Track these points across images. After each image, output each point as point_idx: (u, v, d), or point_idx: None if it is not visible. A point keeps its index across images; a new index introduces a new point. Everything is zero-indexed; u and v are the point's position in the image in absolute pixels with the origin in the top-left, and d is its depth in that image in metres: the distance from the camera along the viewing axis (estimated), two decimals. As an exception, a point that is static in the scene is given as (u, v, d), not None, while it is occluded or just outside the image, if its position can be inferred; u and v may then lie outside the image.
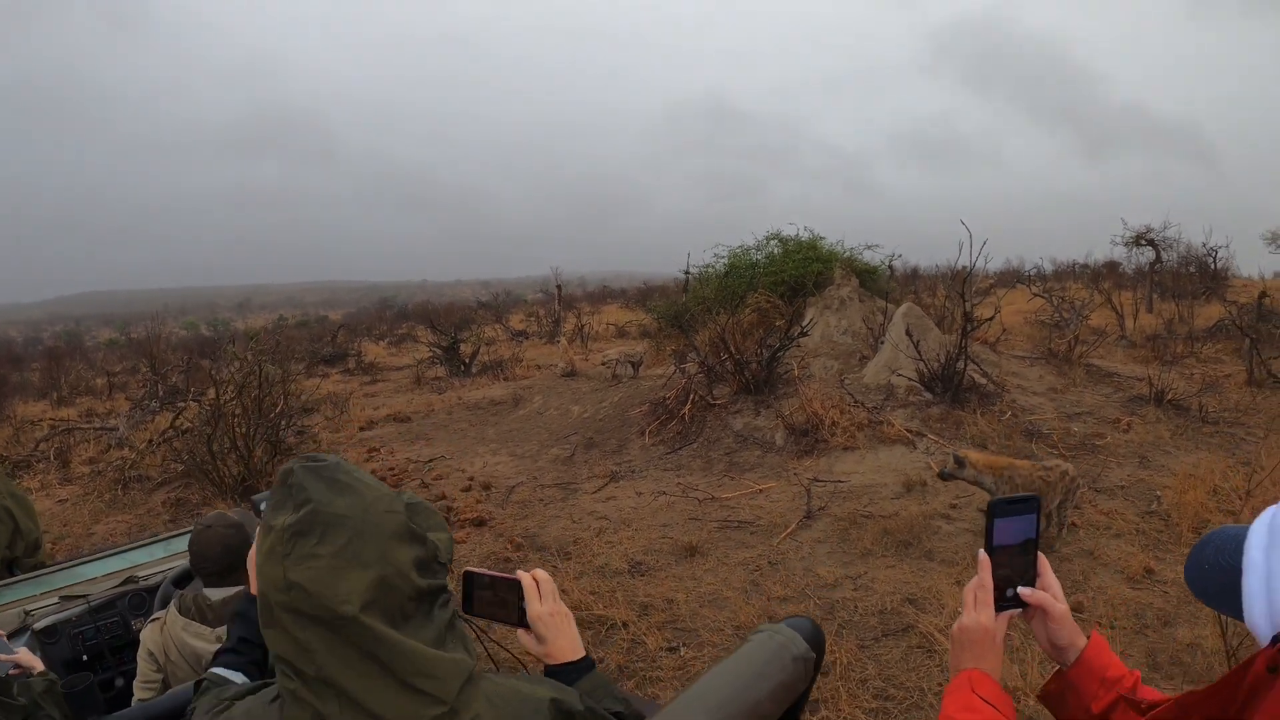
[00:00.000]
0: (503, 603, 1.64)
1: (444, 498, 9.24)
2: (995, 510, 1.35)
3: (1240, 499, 7.08)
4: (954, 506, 7.69)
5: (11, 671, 2.82)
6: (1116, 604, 5.58)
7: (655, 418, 11.39)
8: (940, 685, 4.80)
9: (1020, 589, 1.37)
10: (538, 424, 12.90)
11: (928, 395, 10.42)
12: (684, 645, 5.47)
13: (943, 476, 6.65)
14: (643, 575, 6.72)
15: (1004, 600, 1.36)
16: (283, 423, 10.94)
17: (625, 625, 5.73)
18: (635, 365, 15.71)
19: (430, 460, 11.21)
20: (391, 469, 10.72)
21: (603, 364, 16.03)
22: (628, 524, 8.00)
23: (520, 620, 1.63)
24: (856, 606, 5.88)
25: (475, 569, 1.67)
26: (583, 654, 1.66)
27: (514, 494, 9.35)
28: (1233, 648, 4.28)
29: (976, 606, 1.35)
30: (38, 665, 2.77)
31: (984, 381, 10.68)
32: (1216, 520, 6.71)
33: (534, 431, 12.46)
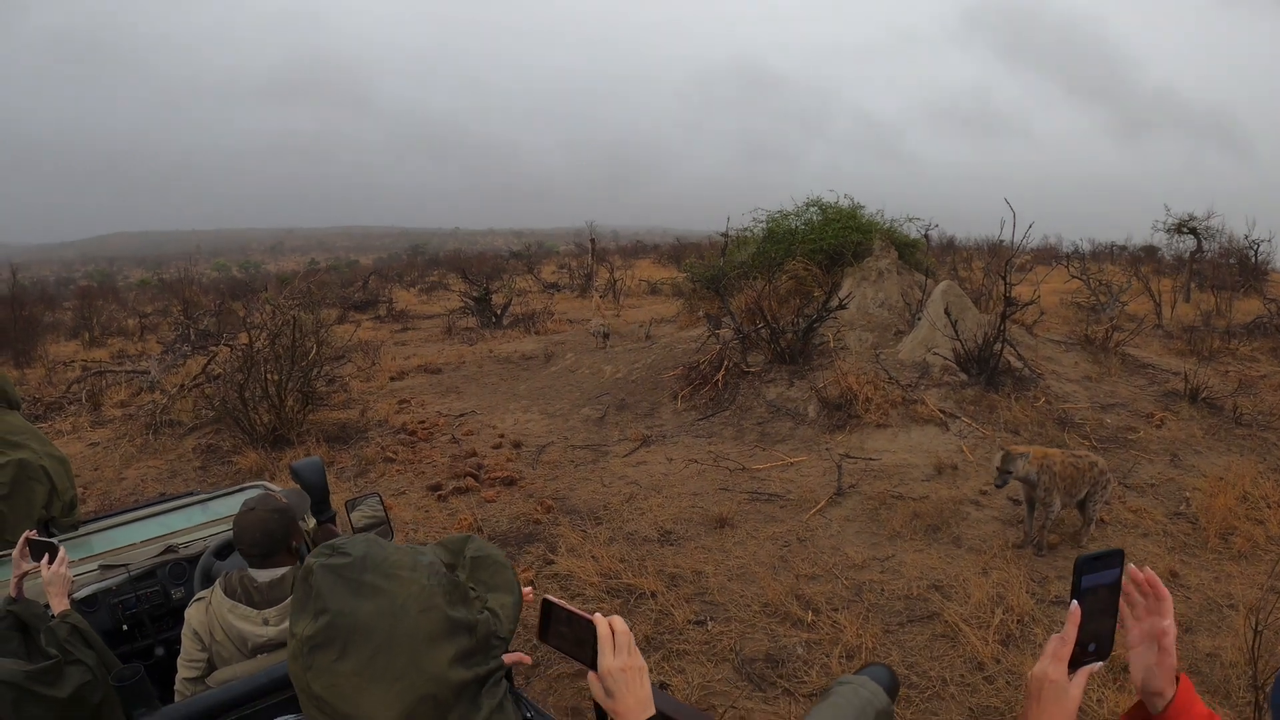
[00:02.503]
0: (578, 641, 1.55)
1: (474, 454, 9.30)
2: (1083, 567, 1.32)
3: (1270, 507, 7.05)
4: (984, 493, 7.68)
5: (14, 578, 2.86)
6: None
7: (688, 382, 11.39)
8: (962, 676, 4.83)
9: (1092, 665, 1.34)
10: (569, 382, 12.93)
11: (962, 376, 10.36)
12: (711, 619, 5.52)
13: (999, 484, 6.49)
14: (672, 544, 6.77)
15: (1086, 655, 1.33)
16: (314, 371, 11.01)
17: (654, 595, 5.79)
18: (604, 336, 16.05)
19: (461, 415, 11.27)
20: (422, 422, 10.79)
21: (590, 334, 16.44)
22: (658, 490, 8.04)
23: (593, 663, 1.53)
24: (883, 590, 5.91)
25: (555, 600, 1.57)
26: (652, 712, 1.54)
27: (544, 454, 9.41)
28: (1256, 659, 4.26)
29: (1052, 658, 1.32)
30: (58, 585, 2.82)
31: (1019, 366, 10.62)
32: (1244, 528, 6.67)
33: (565, 390, 12.49)
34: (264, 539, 2.83)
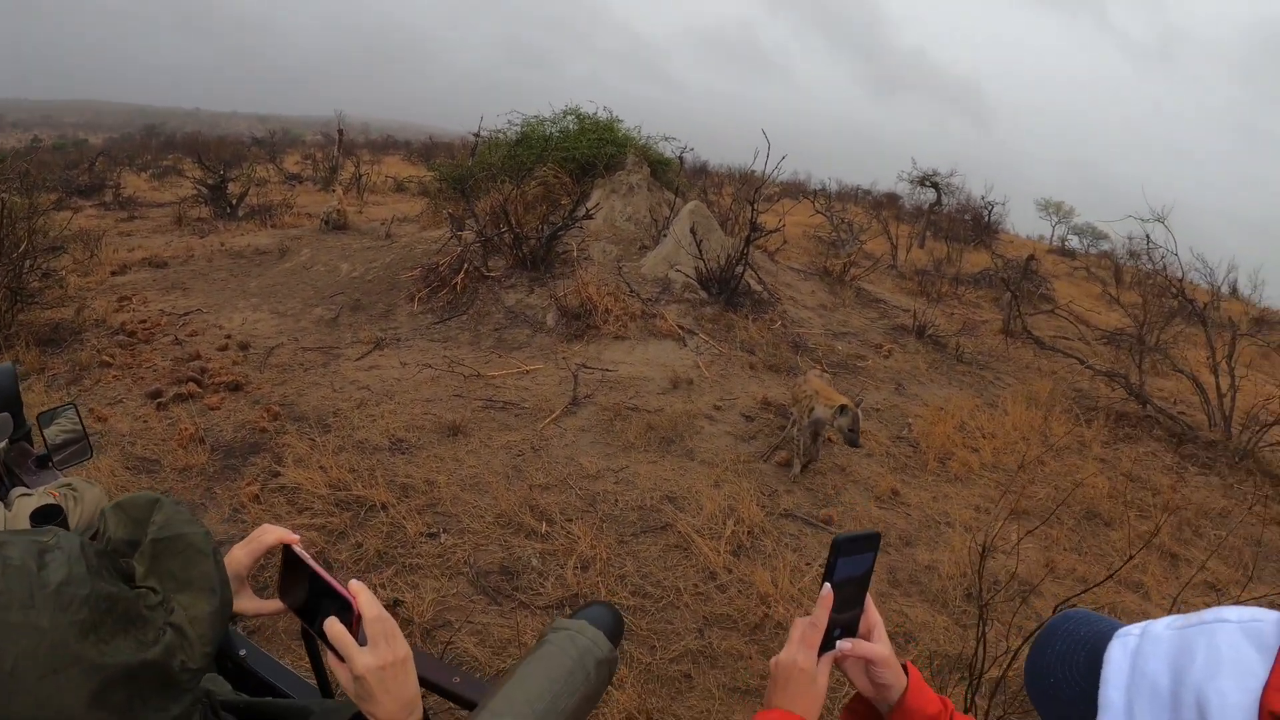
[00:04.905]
0: (317, 607, 1.19)
1: (198, 357, 8.68)
2: (842, 547, 1.23)
3: (984, 437, 7.58)
4: (717, 408, 7.88)
5: None
6: (864, 521, 5.90)
7: (426, 284, 11.05)
8: (695, 586, 4.93)
9: (842, 643, 1.26)
10: (303, 279, 12.31)
11: (703, 294, 10.56)
12: (444, 531, 5.40)
13: (857, 443, 6.43)
14: (404, 453, 6.57)
15: (830, 641, 1.26)
16: (27, 264, 9.99)
17: (385, 507, 5.59)
18: (329, 223, 16.38)
19: (186, 314, 10.53)
20: (143, 321, 10.01)
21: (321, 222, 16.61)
22: (390, 396, 7.78)
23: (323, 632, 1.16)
24: (617, 500, 5.97)
25: (298, 551, 1.24)
26: (420, 715, 1.19)
27: (273, 356, 8.91)
28: (981, 578, 4.52)
29: (800, 644, 1.24)
30: None
31: (759, 289, 10.91)
32: (961, 455, 7.15)
33: (298, 288, 11.89)
34: None
